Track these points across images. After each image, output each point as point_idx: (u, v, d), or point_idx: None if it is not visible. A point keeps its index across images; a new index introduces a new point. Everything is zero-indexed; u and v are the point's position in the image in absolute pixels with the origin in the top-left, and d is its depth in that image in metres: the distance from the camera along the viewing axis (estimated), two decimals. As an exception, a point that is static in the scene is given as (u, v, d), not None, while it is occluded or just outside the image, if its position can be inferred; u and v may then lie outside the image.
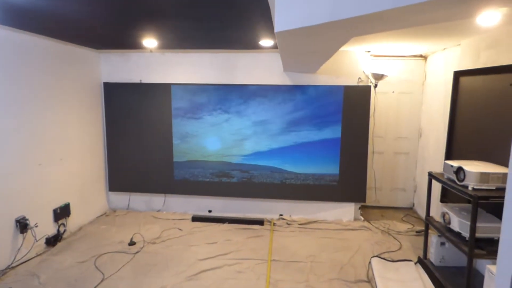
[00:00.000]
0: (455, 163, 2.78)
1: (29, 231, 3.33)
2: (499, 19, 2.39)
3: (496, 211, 2.76)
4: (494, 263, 2.42)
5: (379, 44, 3.82)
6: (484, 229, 2.54)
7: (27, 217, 3.30)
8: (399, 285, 2.90)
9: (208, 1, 2.23)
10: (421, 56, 4.68)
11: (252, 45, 3.95)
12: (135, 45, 4.07)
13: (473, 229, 2.46)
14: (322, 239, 3.99)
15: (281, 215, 4.65)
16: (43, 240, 3.56)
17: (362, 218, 4.58)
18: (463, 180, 2.63)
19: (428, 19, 1.45)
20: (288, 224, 4.41)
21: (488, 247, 2.52)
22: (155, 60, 4.58)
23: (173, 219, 4.53)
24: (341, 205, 4.55)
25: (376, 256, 3.39)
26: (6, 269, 3.10)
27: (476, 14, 1.49)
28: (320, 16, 1.47)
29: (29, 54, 3.36)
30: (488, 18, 2.22)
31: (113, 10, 2.50)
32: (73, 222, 4.07)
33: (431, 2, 1.24)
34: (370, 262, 3.28)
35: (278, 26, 1.77)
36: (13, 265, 3.18)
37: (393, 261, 3.29)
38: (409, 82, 4.79)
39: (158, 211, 4.83)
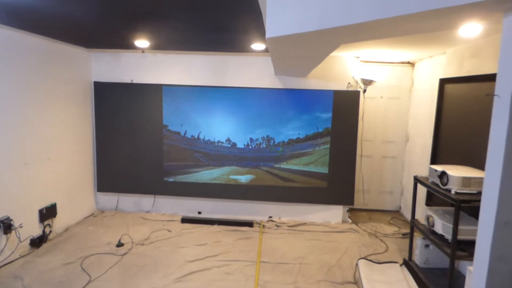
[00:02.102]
0: (439, 168, 2.87)
1: (13, 231, 3.26)
2: (480, 31, 2.49)
3: (477, 214, 2.85)
4: (475, 265, 2.51)
5: (368, 50, 3.91)
6: (466, 231, 2.63)
7: (11, 217, 3.23)
8: (385, 286, 2.96)
9: (201, 4, 2.26)
10: (408, 62, 4.80)
11: (244, 49, 3.99)
12: (127, 45, 4.06)
13: (455, 231, 2.55)
14: (310, 241, 4.04)
15: (270, 217, 4.69)
16: (28, 241, 3.50)
17: (350, 221, 4.65)
18: (446, 184, 2.71)
19: (412, 29, 1.52)
20: (277, 226, 4.45)
21: (470, 249, 2.60)
22: (146, 61, 4.57)
23: (162, 221, 4.51)
24: (329, 207, 4.61)
25: (363, 258, 3.46)
26: (-11, 270, 3.04)
27: (458, 26, 1.56)
28: (309, 24, 1.51)
29: (16, 51, 3.30)
30: (470, 30, 2.32)
31: (107, 10, 2.49)
32: (59, 222, 4.01)
33: (414, 14, 1.30)
34: (357, 264, 3.33)
35: (269, 32, 1.80)
36: (-4, 266, 3.12)
37: (379, 263, 3.35)
38: (397, 88, 4.91)
39: (147, 212, 4.81)
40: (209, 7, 2.30)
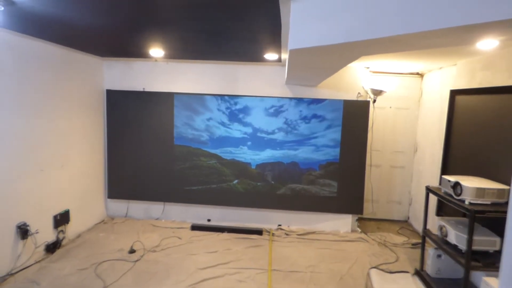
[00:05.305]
0: (452, 178, 2.89)
1: (29, 237, 3.30)
2: (496, 44, 2.55)
3: (491, 225, 2.87)
4: (489, 275, 2.51)
5: (378, 61, 3.98)
6: (480, 242, 2.64)
7: (28, 223, 3.28)
8: (397, 296, 2.96)
9: (218, 15, 2.31)
10: (417, 73, 4.86)
11: (257, 58, 4.06)
12: (141, 54, 4.14)
13: (470, 242, 2.56)
14: (320, 249, 4.04)
15: (279, 225, 4.69)
16: (43, 247, 3.53)
17: (359, 230, 4.65)
18: (460, 194, 2.73)
19: (435, 44, 1.57)
20: (287, 234, 4.46)
21: (484, 260, 2.62)
22: (158, 69, 4.65)
23: (172, 228, 4.53)
24: (338, 216, 4.62)
25: (374, 267, 3.46)
26: (6, 275, 3.07)
27: (477, 41, 1.62)
28: (335, 37, 1.57)
29: (33, 59, 3.37)
30: (486, 44, 2.37)
31: (124, 21, 2.56)
32: (72, 229, 4.04)
33: (439, 30, 1.35)
34: (368, 273, 3.33)
35: (292, 44, 1.86)
36: (13, 271, 3.14)
37: (391, 272, 3.35)
38: (406, 98, 4.96)
39: (157, 219, 4.83)
40: (226, 17, 2.35)
